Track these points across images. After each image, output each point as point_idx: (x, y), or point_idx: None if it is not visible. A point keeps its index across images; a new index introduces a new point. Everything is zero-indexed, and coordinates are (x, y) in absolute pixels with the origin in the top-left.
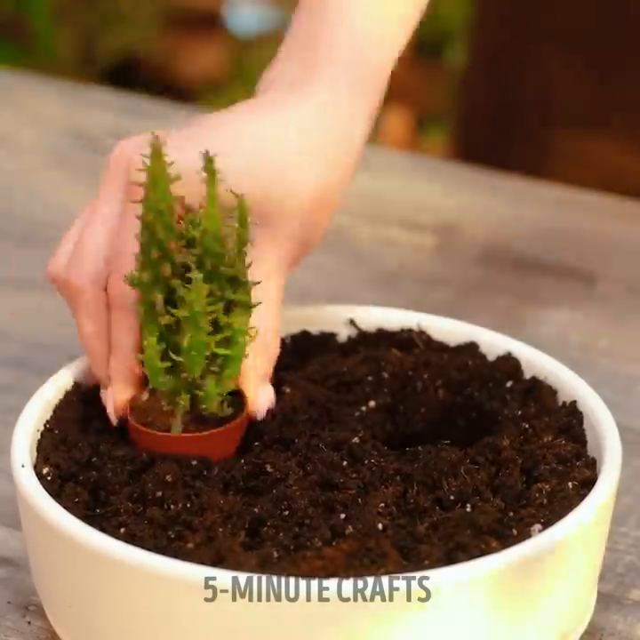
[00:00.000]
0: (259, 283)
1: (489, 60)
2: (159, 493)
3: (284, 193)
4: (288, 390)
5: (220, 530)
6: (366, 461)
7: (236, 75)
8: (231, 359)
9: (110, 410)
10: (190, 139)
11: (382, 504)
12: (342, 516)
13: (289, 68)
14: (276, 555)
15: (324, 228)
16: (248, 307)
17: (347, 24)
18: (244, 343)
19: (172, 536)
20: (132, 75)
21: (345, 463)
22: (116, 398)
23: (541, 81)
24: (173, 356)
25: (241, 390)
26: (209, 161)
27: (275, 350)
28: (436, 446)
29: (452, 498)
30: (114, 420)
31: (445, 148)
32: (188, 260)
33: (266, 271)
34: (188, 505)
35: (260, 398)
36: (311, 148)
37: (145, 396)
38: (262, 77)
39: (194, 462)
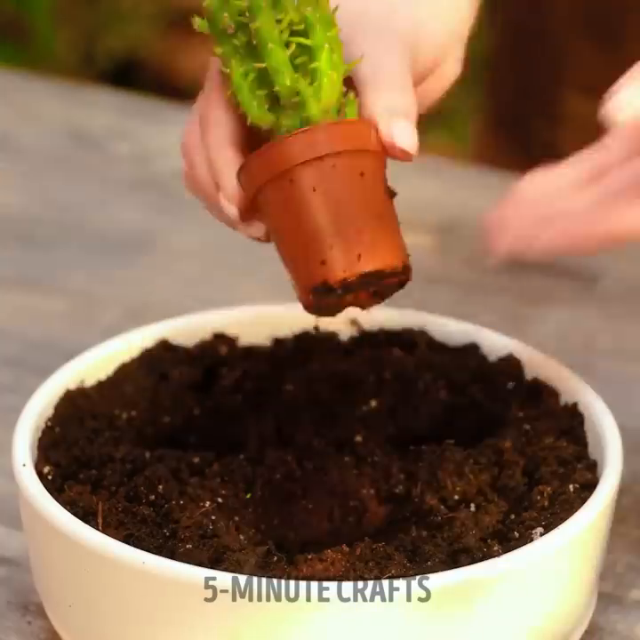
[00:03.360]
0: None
1: (512, 40)
2: (153, 492)
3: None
4: (290, 389)
5: (221, 527)
6: (370, 460)
7: None
8: (319, 72)
9: (233, 211)
10: None
11: (386, 504)
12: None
13: None
14: (275, 558)
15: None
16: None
17: None
18: (329, 55)
19: (167, 534)
20: (132, 75)
21: (346, 460)
22: (226, 186)
23: (555, 51)
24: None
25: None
26: None
27: (411, 97)
28: (440, 446)
29: (456, 498)
30: (234, 213)
31: (471, 132)
32: None
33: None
34: (182, 502)
35: (395, 130)
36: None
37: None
38: None
39: (195, 460)
